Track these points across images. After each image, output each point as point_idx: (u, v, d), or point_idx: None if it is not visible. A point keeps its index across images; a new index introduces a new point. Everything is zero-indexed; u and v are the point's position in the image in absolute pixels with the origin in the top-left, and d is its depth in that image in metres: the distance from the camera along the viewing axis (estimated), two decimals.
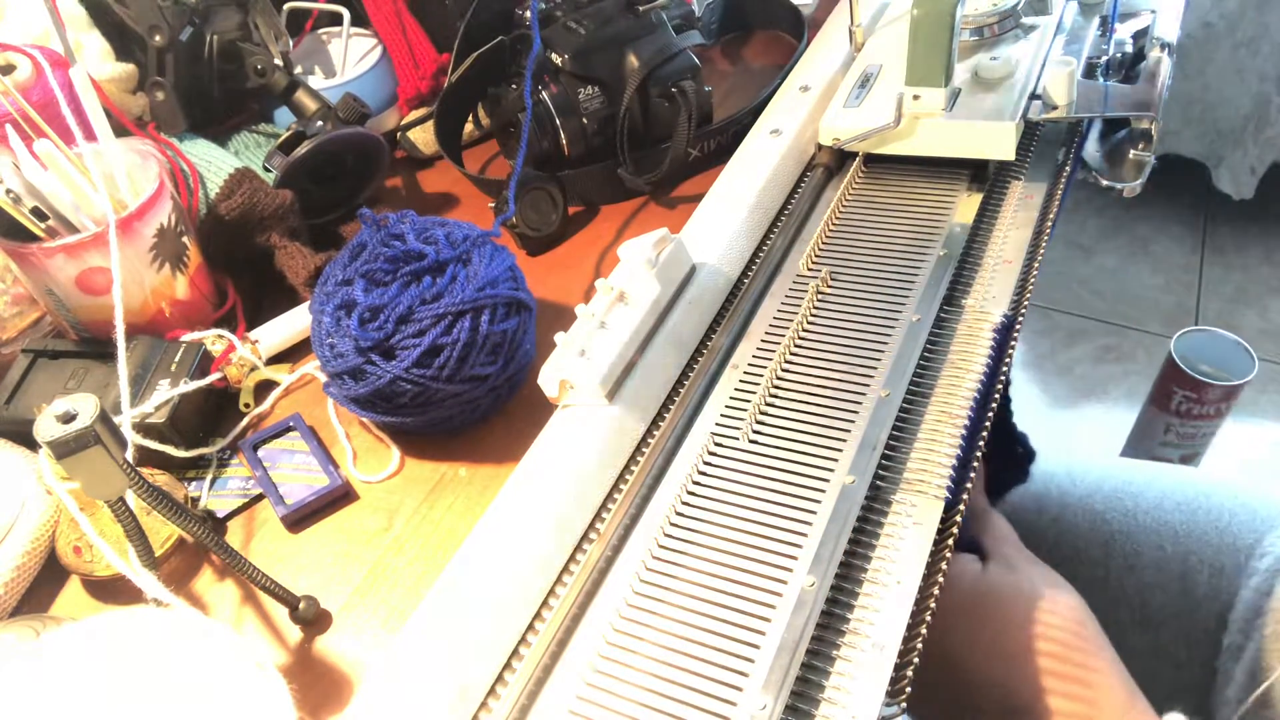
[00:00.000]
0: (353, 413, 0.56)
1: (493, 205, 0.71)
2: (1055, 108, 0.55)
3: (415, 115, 0.79)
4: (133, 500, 0.45)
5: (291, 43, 0.74)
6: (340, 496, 0.55)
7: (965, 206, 0.56)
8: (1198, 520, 0.68)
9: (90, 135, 0.59)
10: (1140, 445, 1.44)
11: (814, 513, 0.41)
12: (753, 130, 0.62)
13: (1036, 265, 0.52)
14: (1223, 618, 0.62)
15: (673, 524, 0.42)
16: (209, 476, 0.57)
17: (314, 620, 0.49)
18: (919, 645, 0.38)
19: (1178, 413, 1.35)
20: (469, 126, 0.81)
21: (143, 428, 0.55)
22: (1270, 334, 1.75)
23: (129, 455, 0.42)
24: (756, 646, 0.37)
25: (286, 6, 0.78)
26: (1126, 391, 1.65)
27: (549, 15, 0.72)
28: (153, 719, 0.39)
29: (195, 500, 0.56)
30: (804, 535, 0.41)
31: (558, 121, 0.70)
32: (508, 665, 0.39)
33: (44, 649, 0.42)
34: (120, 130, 0.63)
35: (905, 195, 0.58)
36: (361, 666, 0.48)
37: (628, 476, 0.45)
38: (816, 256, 0.55)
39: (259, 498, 0.56)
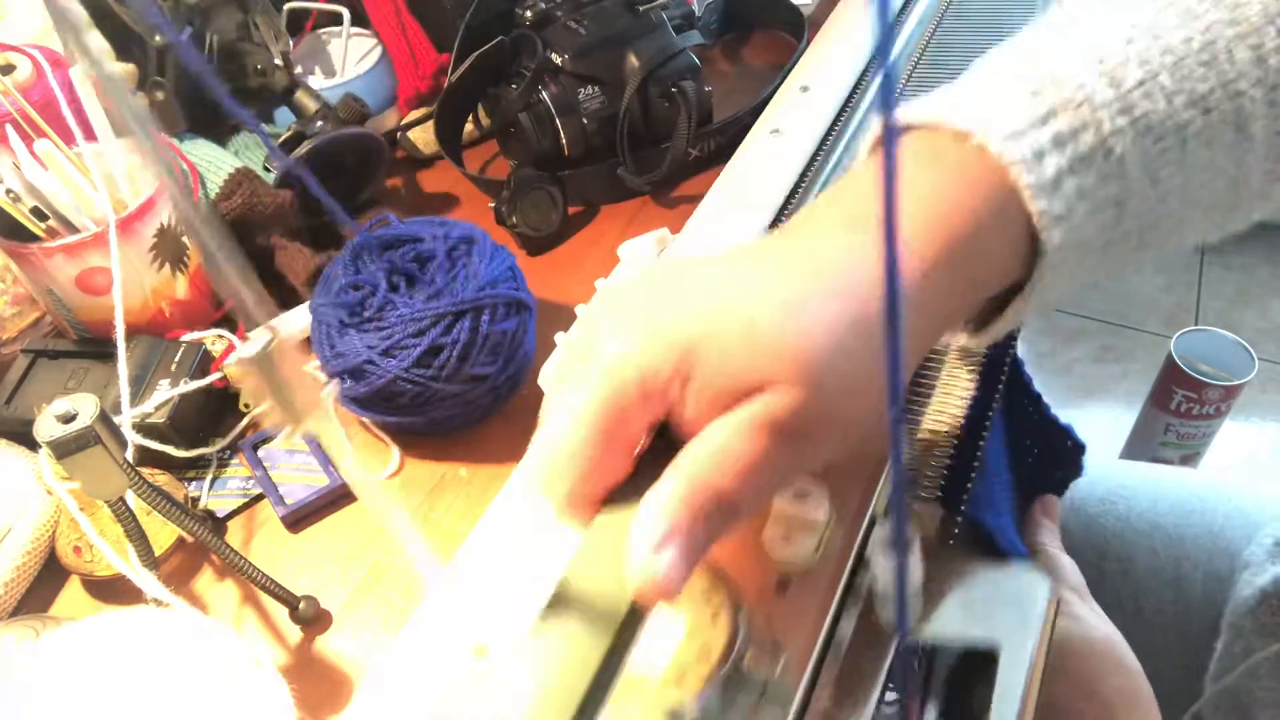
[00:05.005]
0: (353, 413, 0.56)
1: (493, 205, 0.71)
2: None
3: (415, 115, 0.79)
4: (133, 500, 0.45)
5: (292, 42, 0.74)
6: (340, 496, 0.55)
7: None
8: (1191, 523, 0.67)
9: (90, 135, 0.59)
10: (1140, 445, 1.44)
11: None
12: (753, 130, 0.62)
13: None
14: (1216, 623, 0.62)
15: None
16: (209, 476, 0.57)
17: (314, 620, 0.49)
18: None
19: (1178, 413, 1.35)
20: (469, 126, 0.81)
21: (143, 428, 0.55)
22: (1270, 334, 1.75)
23: (129, 455, 0.42)
24: None
25: (286, 6, 0.78)
26: (1126, 391, 1.65)
27: (549, 15, 0.72)
28: (153, 719, 0.39)
29: (195, 500, 0.56)
30: None
31: (558, 121, 0.70)
32: None
33: (44, 649, 0.42)
34: (121, 130, 0.63)
35: None
36: (361, 666, 0.48)
37: None
38: None
39: (259, 498, 0.56)
